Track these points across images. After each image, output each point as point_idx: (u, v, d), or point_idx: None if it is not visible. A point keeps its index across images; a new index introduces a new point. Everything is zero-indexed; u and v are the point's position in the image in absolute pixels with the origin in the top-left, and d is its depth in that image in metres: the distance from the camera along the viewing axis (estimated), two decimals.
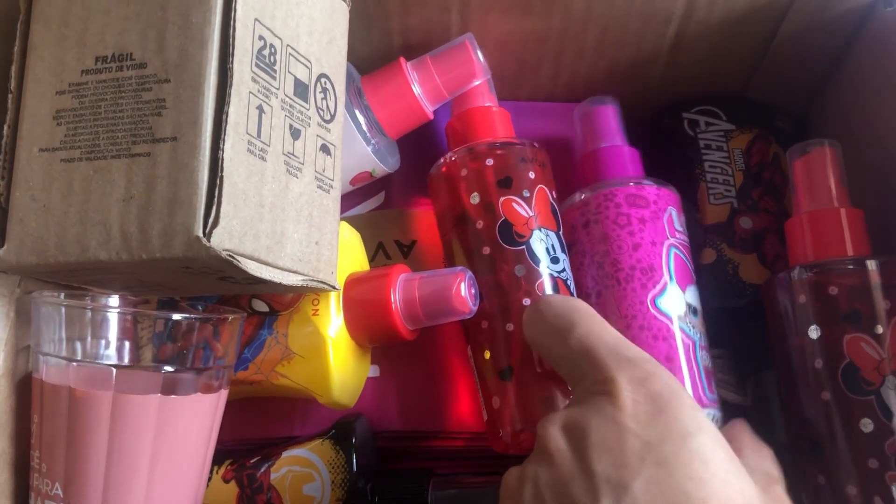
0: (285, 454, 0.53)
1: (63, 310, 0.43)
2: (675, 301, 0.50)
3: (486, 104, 0.57)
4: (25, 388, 0.46)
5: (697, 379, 0.49)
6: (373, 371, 0.56)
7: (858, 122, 0.57)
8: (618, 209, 0.53)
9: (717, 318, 0.55)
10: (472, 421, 0.55)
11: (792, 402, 0.50)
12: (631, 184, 0.54)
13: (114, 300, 0.48)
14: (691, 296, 0.52)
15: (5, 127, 0.42)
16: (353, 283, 0.50)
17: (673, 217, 0.54)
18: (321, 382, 0.48)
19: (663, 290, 0.50)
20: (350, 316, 0.49)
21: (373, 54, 0.59)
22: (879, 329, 0.46)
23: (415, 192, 0.61)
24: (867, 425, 0.45)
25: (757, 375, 0.56)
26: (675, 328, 0.50)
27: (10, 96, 0.42)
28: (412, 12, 0.57)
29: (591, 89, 0.63)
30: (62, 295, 0.45)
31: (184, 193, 0.37)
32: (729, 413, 0.56)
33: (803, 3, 0.55)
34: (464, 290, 0.47)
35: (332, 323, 0.48)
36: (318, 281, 0.45)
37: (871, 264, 0.48)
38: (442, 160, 0.55)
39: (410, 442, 0.56)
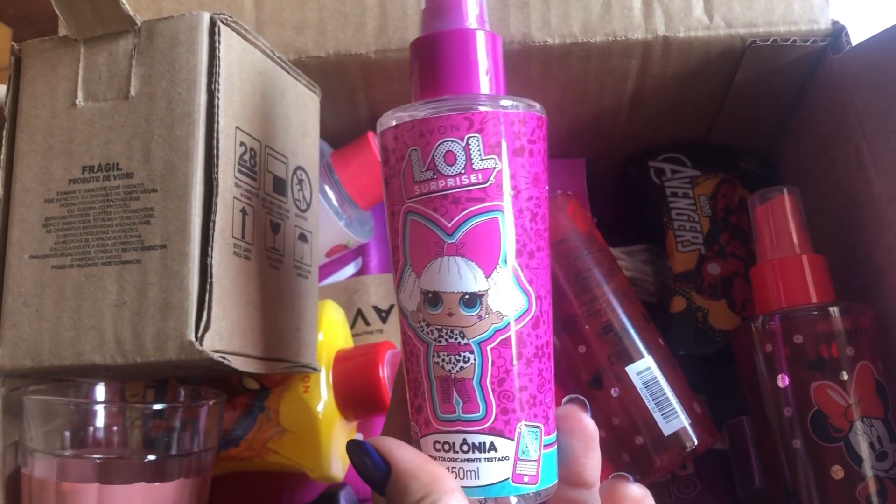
0: None
1: (49, 404, 0.45)
2: (409, 290, 0.36)
3: None
4: (15, 484, 0.46)
5: (428, 394, 0.35)
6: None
7: (819, 164, 0.59)
8: (383, 164, 0.38)
9: (690, 365, 0.56)
10: None
11: (765, 449, 0.51)
12: (379, 129, 0.38)
13: (100, 388, 0.49)
14: (430, 279, 0.35)
15: None
16: (342, 359, 0.52)
17: (414, 164, 0.35)
18: (313, 459, 0.50)
19: (401, 278, 0.36)
20: (339, 392, 0.51)
21: (341, 127, 0.61)
22: (844, 375, 0.48)
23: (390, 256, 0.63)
24: (838, 472, 0.47)
25: (733, 421, 0.57)
26: (409, 330, 0.36)
27: None
28: (375, 86, 0.58)
29: (557, 145, 0.65)
30: (48, 390, 0.46)
31: (175, 299, 0.39)
32: (709, 460, 0.58)
33: (754, 53, 0.57)
34: None
35: (323, 399, 0.50)
36: (300, 365, 0.46)
37: (834, 311, 0.50)
38: None
39: None
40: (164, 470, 0.45)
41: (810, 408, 0.49)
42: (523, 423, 0.35)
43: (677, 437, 0.50)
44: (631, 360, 0.51)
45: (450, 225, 0.35)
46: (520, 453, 0.35)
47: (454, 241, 0.35)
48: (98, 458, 0.44)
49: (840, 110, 0.55)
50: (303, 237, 0.48)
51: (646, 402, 0.50)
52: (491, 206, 0.35)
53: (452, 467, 0.35)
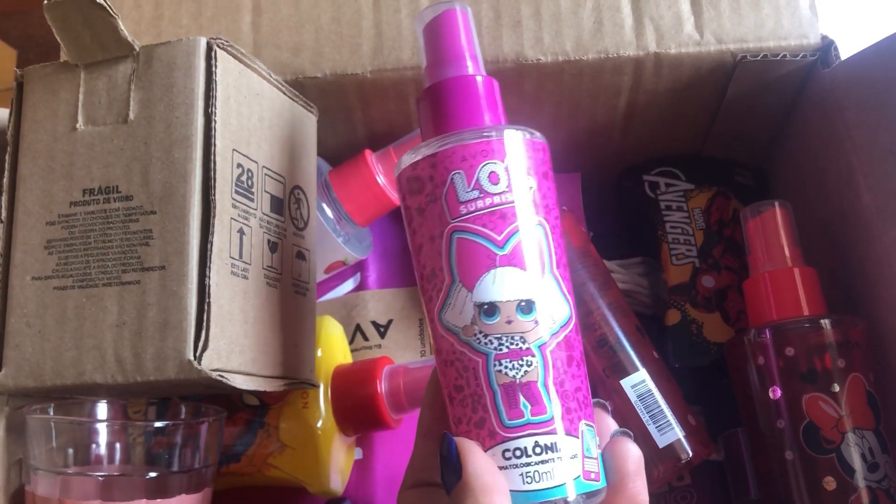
0: None
1: (52, 423, 0.46)
2: (459, 307, 0.38)
3: None
4: (19, 502, 0.47)
5: (491, 405, 0.36)
6: (356, 453, 0.58)
7: (810, 177, 0.60)
8: (403, 201, 0.40)
9: (685, 378, 0.57)
10: None
11: (759, 460, 0.52)
12: (407, 163, 0.40)
13: (102, 405, 0.50)
14: (485, 290, 0.37)
15: None
16: (340, 375, 0.53)
17: (458, 186, 0.38)
18: (313, 474, 0.50)
19: (446, 297, 0.38)
20: (338, 407, 0.52)
21: (340, 145, 0.62)
22: (836, 387, 0.49)
23: (388, 272, 0.64)
24: (830, 483, 0.48)
25: (728, 433, 0.58)
26: (461, 346, 0.38)
27: (0, 226, 0.45)
28: (372, 104, 0.59)
29: (553, 160, 0.65)
30: (51, 409, 0.47)
31: (174, 319, 0.40)
32: (705, 471, 0.58)
33: (745, 68, 0.57)
34: None
35: (322, 415, 0.51)
36: (299, 381, 0.47)
37: (826, 324, 0.50)
38: None
39: None
40: (166, 486, 0.46)
41: (802, 420, 0.49)
42: (584, 421, 0.37)
43: (672, 449, 0.50)
44: (625, 374, 0.52)
45: (500, 238, 0.37)
46: (585, 450, 0.36)
47: (506, 252, 0.37)
48: (100, 476, 0.45)
49: (830, 124, 0.56)
50: (300, 255, 0.49)
51: (640, 414, 0.51)
52: (534, 220, 0.38)
53: (526, 472, 0.35)
